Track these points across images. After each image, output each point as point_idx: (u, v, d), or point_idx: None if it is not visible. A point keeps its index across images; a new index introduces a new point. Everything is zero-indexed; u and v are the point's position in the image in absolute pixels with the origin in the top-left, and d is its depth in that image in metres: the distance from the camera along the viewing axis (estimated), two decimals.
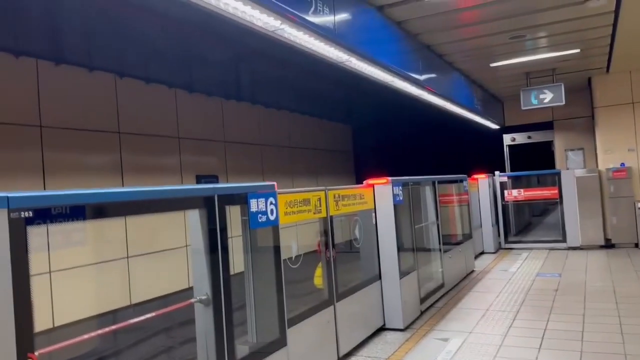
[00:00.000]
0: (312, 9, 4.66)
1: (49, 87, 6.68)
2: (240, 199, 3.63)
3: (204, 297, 3.25)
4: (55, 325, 6.28)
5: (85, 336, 2.61)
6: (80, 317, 6.44)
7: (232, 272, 3.49)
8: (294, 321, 4.39)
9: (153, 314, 2.94)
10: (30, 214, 2.26)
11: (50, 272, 6.35)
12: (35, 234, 2.35)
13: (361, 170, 15.50)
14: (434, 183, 8.33)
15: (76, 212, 2.57)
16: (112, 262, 7.33)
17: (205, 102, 9.48)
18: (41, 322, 5.90)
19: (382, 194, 6.41)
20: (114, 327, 2.75)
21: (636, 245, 11.33)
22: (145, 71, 8.08)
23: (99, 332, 2.75)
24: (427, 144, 16.69)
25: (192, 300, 3.30)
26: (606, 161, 11.75)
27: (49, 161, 6.63)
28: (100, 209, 2.80)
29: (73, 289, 6.53)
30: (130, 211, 3.49)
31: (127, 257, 7.45)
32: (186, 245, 8.08)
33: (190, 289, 3.51)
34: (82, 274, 6.72)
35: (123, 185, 7.63)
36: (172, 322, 6.11)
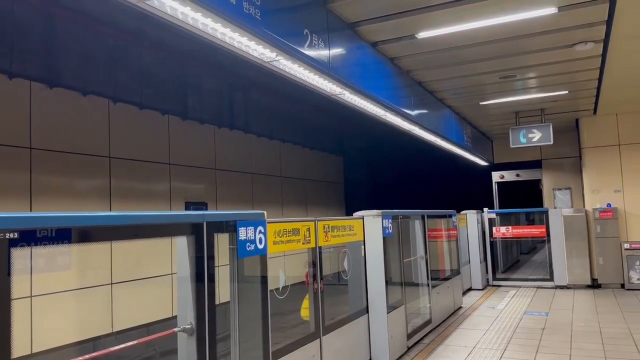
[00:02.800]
0: (308, 42, 4.74)
1: (41, 110, 6.68)
2: (229, 226, 3.61)
3: (187, 326, 3.19)
4: (34, 351, 6.11)
5: None
6: (60, 343, 6.28)
7: (217, 302, 3.45)
8: (278, 354, 4.31)
9: (134, 342, 2.88)
10: (15, 235, 2.22)
11: (31, 296, 6.22)
12: (19, 257, 2.32)
13: (351, 202, 15.52)
14: (423, 217, 8.35)
15: (62, 235, 2.53)
16: (96, 288, 7.19)
17: (197, 130, 9.51)
18: (19, 347, 5.75)
19: (371, 226, 6.41)
20: (94, 354, 2.68)
21: (622, 285, 11.35)
22: (139, 97, 8.12)
23: (77, 359, 2.68)
24: (417, 178, 16.81)
25: (175, 329, 3.23)
26: (593, 201, 11.87)
27: (36, 184, 6.57)
28: (87, 233, 2.76)
29: (54, 314, 6.39)
30: (117, 236, 3.45)
31: (111, 284, 7.33)
32: (172, 273, 7.98)
33: (175, 317, 3.44)
34: (64, 300, 6.59)
35: (111, 211, 7.57)
36: (155, 352, 5.98)
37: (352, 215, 6.51)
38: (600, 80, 8.66)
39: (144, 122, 8.27)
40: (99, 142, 7.50)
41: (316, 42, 4.90)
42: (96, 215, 2.76)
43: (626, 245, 11.26)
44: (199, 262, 3.25)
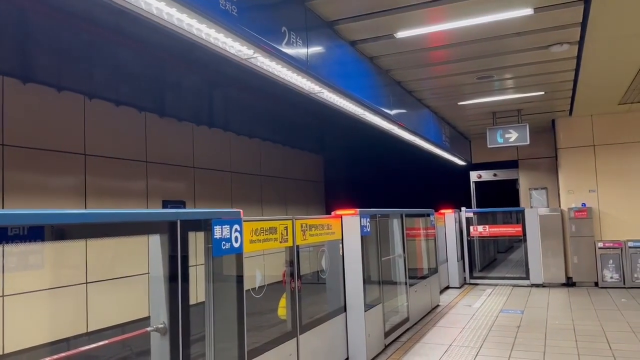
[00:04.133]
0: (286, 40, 4.72)
1: (14, 105, 6.54)
2: (204, 225, 3.58)
3: (160, 326, 3.15)
4: (6, 352, 5.99)
5: None
6: (33, 344, 6.17)
7: (194, 302, 3.41)
8: (254, 354, 4.29)
9: (105, 342, 2.83)
10: None
11: (3, 295, 6.09)
12: None
13: (331, 201, 15.53)
14: (401, 216, 8.39)
15: (34, 233, 2.48)
16: (70, 287, 7.07)
17: (175, 127, 9.41)
18: None
19: (350, 225, 6.41)
20: (62, 354, 2.63)
21: (596, 284, 11.56)
22: (116, 93, 8.00)
23: (48, 359, 2.63)
24: (396, 177, 16.89)
25: (148, 328, 3.19)
26: (568, 201, 12.07)
27: (9, 181, 6.43)
28: (59, 231, 2.71)
29: (27, 314, 6.27)
30: (90, 234, 3.40)
31: (86, 283, 7.21)
32: (147, 273, 7.88)
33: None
34: (38, 299, 6.46)
35: (86, 209, 7.45)
36: (132, 352, 5.90)
37: (331, 214, 6.51)
38: (575, 81, 8.80)
39: (120, 119, 8.15)
40: (74, 139, 7.38)
41: (294, 40, 4.89)
42: (68, 212, 2.71)
43: (600, 244, 11.47)
44: (172, 261, 3.21)
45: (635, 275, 11.19)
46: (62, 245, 6.24)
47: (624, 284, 11.24)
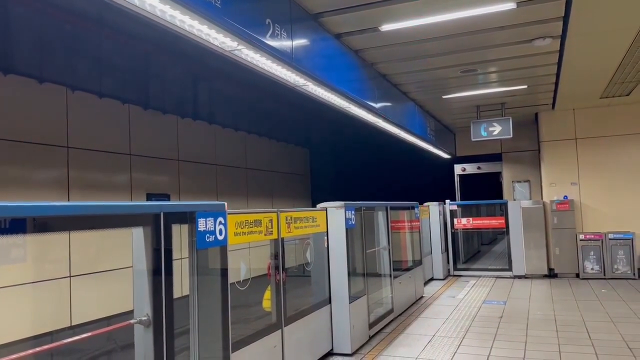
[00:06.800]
0: (270, 32, 4.71)
1: None
2: (189, 217, 3.57)
3: (144, 318, 3.15)
4: None
5: (14, 356, 2.48)
6: (15, 338, 6.11)
7: (178, 295, 3.41)
8: (239, 345, 4.30)
9: (88, 334, 2.83)
10: None
11: None
12: None
13: (317, 194, 15.57)
14: (386, 209, 8.44)
15: (16, 225, 2.47)
16: (53, 281, 7.01)
17: (160, 119, 9.34)
18: None
19: (335, 217, 6.44)
20: (46, 347, 2.62)
21: (577, 275, 11.76)
22: (98, 85, 7.91)
23: (30, 351, 2.62)
24: (381, 170, 16.99)
25: (132, 321, 3.19)
26: (550, 193, 12.23)
27: None
28: (42, 223, 2.69)
29: (9, 308, 6.21)
30: (72, 226, 3.37)
31: (70, 277, 7.16)
32: (132, 266, 7.84)
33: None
34: (21, 293, 6.40)
35: (69, 202, 7.38)
36: (116, 345, 5.88)
37: (316, 206, 6.52)
38: (558, 75, 8.90)
39: (103, 111, 8.07)
40: (57, 131, 7.29)
41: (279, 32, 4.88)
42: (51, 205, 2.69)
43: (581, 236, 11.66)
44: (156, 254, 3.21)
45: (615, 267, 11.41)
46: (46, 238, 6.19)
47: (604, 275, 11.45)
